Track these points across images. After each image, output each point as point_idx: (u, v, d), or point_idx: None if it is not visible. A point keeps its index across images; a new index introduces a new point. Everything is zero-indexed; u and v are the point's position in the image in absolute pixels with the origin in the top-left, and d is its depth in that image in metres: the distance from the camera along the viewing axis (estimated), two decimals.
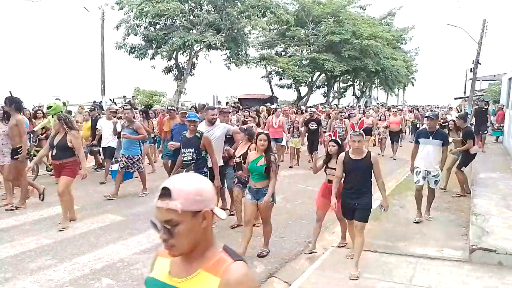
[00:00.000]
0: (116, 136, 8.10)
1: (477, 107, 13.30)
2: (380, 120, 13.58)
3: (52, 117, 8.21)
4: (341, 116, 11.01)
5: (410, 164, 6.22)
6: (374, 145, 13.90)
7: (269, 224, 4.78)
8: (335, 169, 4.59)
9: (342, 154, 4.44)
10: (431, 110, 14.38)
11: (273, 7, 23.47)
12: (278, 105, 17.40)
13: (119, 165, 7.24)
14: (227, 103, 21.59)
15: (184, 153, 5.08)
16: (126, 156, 7.17)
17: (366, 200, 4.27)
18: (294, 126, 11.12)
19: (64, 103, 16.01)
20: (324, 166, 4.88)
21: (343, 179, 4.50)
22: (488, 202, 6.30)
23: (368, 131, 13.13)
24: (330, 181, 4.67)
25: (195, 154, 5.01)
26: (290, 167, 10.56)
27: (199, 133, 5.08)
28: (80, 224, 5.70)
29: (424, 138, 5.91)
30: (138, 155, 7.26)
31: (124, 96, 25.49)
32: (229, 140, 6.09)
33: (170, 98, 25.01)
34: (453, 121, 8.59)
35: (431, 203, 6.08)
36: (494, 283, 4.02)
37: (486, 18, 24.00)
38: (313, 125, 10.60)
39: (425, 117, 6.50)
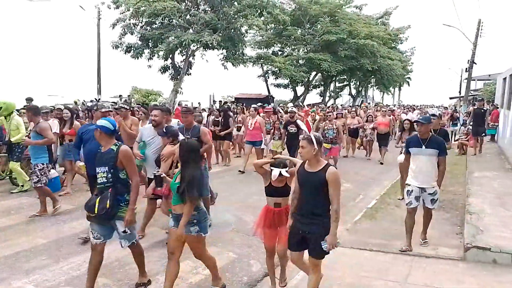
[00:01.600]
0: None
1: (475, 107, 12.96)
2: (367, 121, 12.78)
3: (5, 118, 7.20)
4: (330, 116, 9.96)
5: (400, 182, 5.25)
6: (361, 146, 13.34)
7: (206, 258, 3.71)
8: (280, 188, 3.62)
9: (299, 163, 3.46)
10: (425, 113, 13.59)
11: (269, 7, 23.43)
12: (263, 104, 16.16)
13: (32, 178, 5.99)
14: (225, 103, 21.52)
15: (98, 173, 3.66)
16: (33, 165, 6.01)
17: (320, 227, 3.22)
18: (275, 128, 10.02)
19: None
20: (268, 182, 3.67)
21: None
22: (483, 201, 6.35)
23: (354, 133, 12.60)
24: (277, 205, 3.65)
25: (110, 175, 3.59)
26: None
27: (116, 145, 3.66)
28: (75, 224, 5.69)
29: (415, 147, 4.85)
30: (43, 164, 5.97)
31: (120, 95, 25.40)
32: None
33: (167, 97, 24.96)
34: (408, 120, 7.91)
35: (428, 225, 5.04)
36: (489, 281, 4.06)
37: (481, 19, 24.18)
38: (292, 128, 9.27)
39: (415, 121, 5.39)
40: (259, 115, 10.87)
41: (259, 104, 15.69)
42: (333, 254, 4.66)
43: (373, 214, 6.36)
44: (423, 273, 4.23)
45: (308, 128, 3.85)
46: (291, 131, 9.31)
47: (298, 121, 9.54)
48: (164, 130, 4.65)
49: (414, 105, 35.04)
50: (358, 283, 4.04)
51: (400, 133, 8.03)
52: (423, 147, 4.78)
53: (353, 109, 16.29)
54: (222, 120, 10.74)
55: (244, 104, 17.54)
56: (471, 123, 12.36)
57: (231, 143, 11.43)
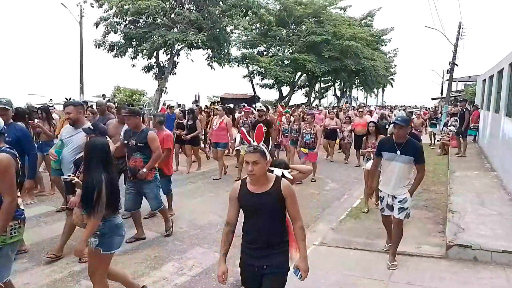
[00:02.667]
0: None
1: (463, 108, 12.48)
2: (344, 123, 12.06)
3: None
4: (308, 119, 8.95)
5: (368, 186, 4.67)
6: (339, 149, 12.61)
7: (97, 282, 3.09)
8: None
9: (237, 184, 2.74)
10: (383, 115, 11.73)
11: (255, 7, 23.49)
12: (238, 105, 15.09)
13: None
14: (214, 103, 21.44)
15: None
16: None
17: (279, 258, 2.62)
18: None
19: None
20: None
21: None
22: (464, 200, 6.49)
23: (331, 135, 11.89)
24: None
25: None
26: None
27: None
28: (57, 226, 5.57)
29: (389, 152, 4.33)
30: None
31: (103, 95, 25.03)
32: (141, 148, 4.98)
33: (151, 97, 24.72)
34: (374, 122, 6.94)
35: (397, 244, 4.45)
36: (469, 278, 4.15)
37: (461, 21, 24.72)
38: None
39: (392, 123, 4.70)
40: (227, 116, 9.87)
41: (242, 104, 15.04)
42: (319, 253, 4.72)
43: (357, 213, 6.43)
44: (406, 271, 4.30)
45: (259, 136, 3.10)
46: None
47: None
48: (91, 127, 4.12)
49: (396, 106, 35.51)
50: (343, 282, 4.07)
51: (365, 137, 6.89)
52: (398, 152, 4.25)
53: (334, 110, 15.22)
54: (190, 123, 9.52)
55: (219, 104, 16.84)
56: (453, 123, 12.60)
57: (201, 146, 9.87)
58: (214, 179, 8.92)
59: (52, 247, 4.81)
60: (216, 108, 11.68)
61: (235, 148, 9.67)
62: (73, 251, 3.03)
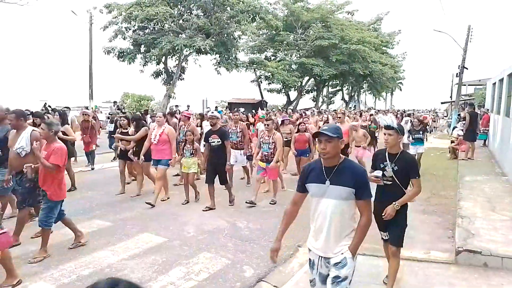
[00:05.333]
0: None
1: (472, 111, 12.26)
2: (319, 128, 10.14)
3: None
4: (268, 126, 7.19)
5: (276, 237, 2.86)
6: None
7: None
8: None
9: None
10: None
11: (262, 13, 23.63)
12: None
13: None
14: (216, 108, 21.57)
15: None
16: None
17: None
18: (187, 140, 7.29)
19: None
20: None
21: None
22: (474, 205, 6.41)
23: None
24: None
25: None
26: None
27: None
28: (66, 230, 5.62)
29: (315, 182, 2.69)
30: None
31: (114, 101, 25.33)
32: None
33: (159, 102, 24.92)
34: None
35: None
36: (480, 284, 4.09)
37: (470, 24, 24.56)
38: (215, 140, 6.87)
39: (314, 134, 3.06)
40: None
41: (241, 109, 13.69)
42: None
43: None
44: (415, 277, 4.25)
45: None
46: (212, 144, 6.90)
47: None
48: None
49: (395, 109, 34.83)
50: (352, 287, 4.04)
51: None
52: (327, 182, 2.63)
53: (306, 115, 12.66)
54: (135, 133, 7.68)
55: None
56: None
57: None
58: (149, 204, 6.87)
59: (62, 251, 4.87)
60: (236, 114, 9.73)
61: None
62: None
